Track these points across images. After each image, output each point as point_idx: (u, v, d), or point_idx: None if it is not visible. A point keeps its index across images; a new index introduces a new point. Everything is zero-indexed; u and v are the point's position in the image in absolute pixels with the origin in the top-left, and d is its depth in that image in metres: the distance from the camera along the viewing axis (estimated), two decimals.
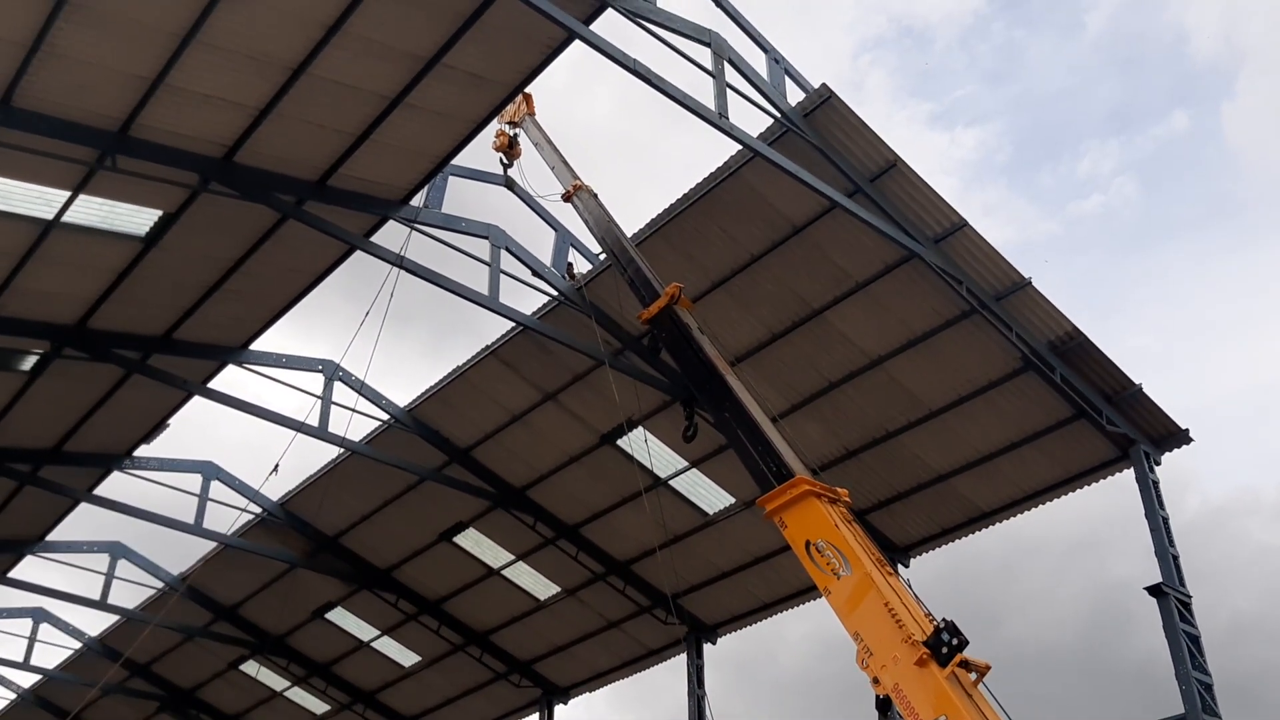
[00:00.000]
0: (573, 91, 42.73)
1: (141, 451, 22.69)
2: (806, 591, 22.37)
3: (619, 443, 21.25)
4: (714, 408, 13.72)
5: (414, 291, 17.99)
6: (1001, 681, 10.06)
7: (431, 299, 17.78)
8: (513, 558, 24.59)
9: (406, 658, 27.98)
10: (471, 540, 24.57)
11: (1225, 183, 53.09)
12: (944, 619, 9.97)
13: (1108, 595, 40.01)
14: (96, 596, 26.28)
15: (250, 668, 29.71)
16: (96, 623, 29.54)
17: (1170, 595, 16.30)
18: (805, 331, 18.84)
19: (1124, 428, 17.80)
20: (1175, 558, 16.89)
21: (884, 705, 10.29)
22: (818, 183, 16.20)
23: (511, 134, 19.19)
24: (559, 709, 27.06)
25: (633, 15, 14.25)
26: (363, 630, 27.66)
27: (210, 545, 25.35)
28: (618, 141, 44.73)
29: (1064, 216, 55.83)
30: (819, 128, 16.52)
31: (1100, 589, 40.19)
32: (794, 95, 16.49)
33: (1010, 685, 10.47)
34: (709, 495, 22.02)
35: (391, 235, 17.61)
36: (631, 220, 18.18)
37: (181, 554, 31.83)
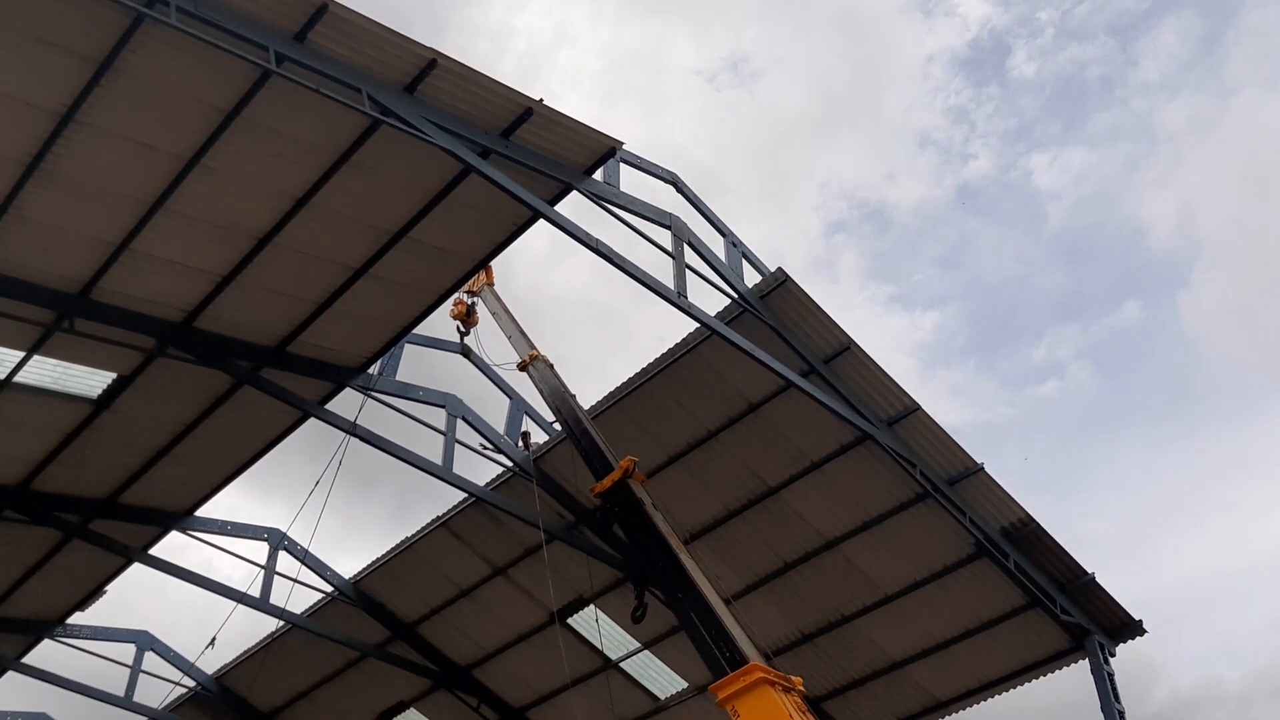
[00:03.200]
0: (551, 258, 43.53)
1: (75, 619, 21.90)
2: None
3: (569, 621, 20.80)
4: (666, 587, 13.50)
5: (376, 456, 17.87)
6: None
7: (395, 463, 17.66)
8: None
9: None
10: None
11: (1182, 371, 54.50)
12: None
13: None
14: None
15: None
16: None
17: None
18: (761, 510, 18.78)
19: (1078, 617, 17.69)
20: None
21: None
22: (773, 362, 16.42)
23: (470, 303, 19.43)
24: None
25: (596, 198, 14.65)
26: None
27: None
28: (591, 310, 45.41)
29: (1021, 401, 56.86)
30: (775, 309, 16.86)
31: None
32: (752, 277, 16.90)
33: None
34: (660, 679, 21.46)
35: (348, 400, 17.58)
36: (599, 389, 18.34)
37: None
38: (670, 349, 17.79)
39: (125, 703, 22.63)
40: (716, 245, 16.69)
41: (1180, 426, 53.75)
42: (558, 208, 14.43)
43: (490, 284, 19.68)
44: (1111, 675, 17.38)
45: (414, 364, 18.74)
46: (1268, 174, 47.85)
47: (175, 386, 16.87)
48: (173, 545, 22.42)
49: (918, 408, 17.17)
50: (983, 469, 17.25)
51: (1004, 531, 17.63)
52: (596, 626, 20.41)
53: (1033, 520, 17.39)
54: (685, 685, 21.20)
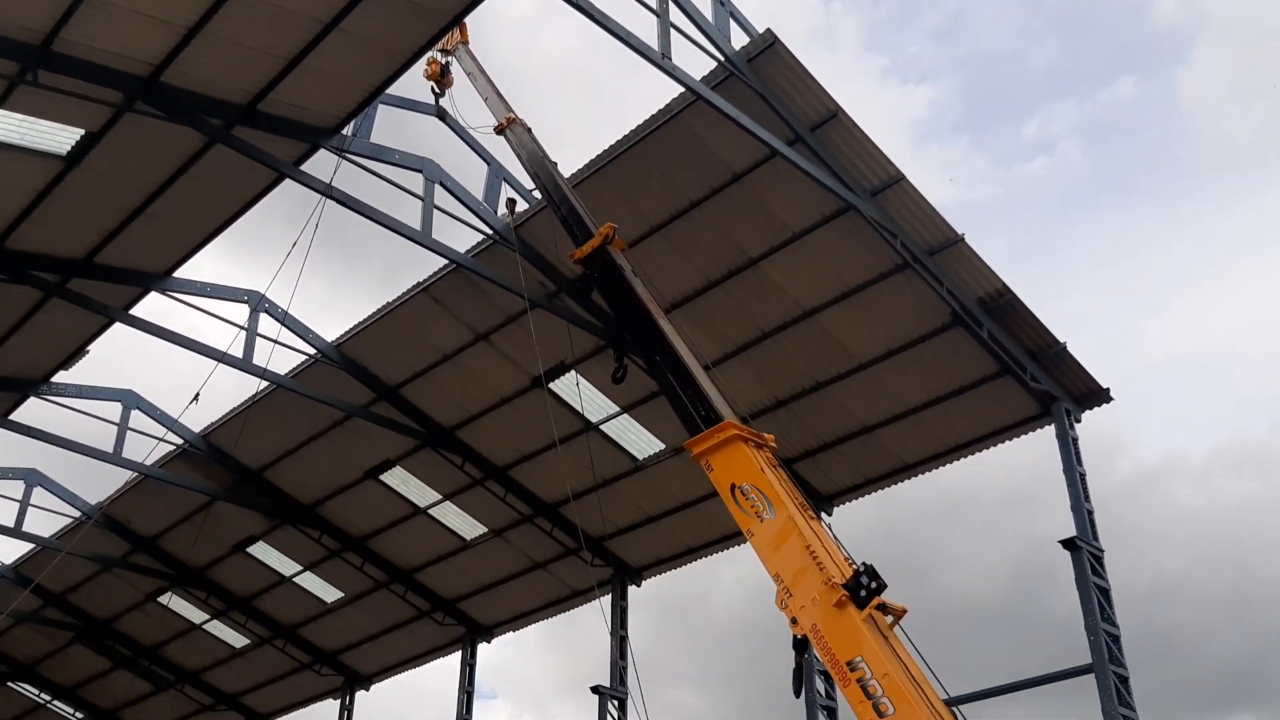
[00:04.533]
0: (535, 24, 41.95)
1: (60, 378, 22.16)
2: (731, 537, 22.63)
3: (550, 386, 21.19)
4: (645, 351, 13.68)
5: (361, 226, 17.68)
6: (927, 632, 10.25)
7: (383, 234, 17.47)
8: (440, 497, 24.52)
9: (329, 593, 27.86)
10: (398, 479, 24.43)
11: (1174, 150, 54.02)
12: (863, 563, 10.12)
13: (1034, 550, 40.99)
14: (10, 524, 25.78)
15: (168, 600, 29.38)
16: (10, 551, 29.04)
17: (1083, 549, 16.73)
18: (741, 280, 18.86)
19: (1047, 385, 18.13)
20: (1090, 513, 17.32)
21: (801, 645, 10.44)
22: (759, 129, 16.14)
23: (443, 62, 18.77)
24: (482, 646, 27.19)
25: None
26: (284, 565, 27.46)
27: (129, 475, 24.90)
28: (578, 79, 44.13)
29: (1009, 178, 56.52)
30: (762, 74, 16.43)
31: (1027, 544, 41.17)
32: (740, 40, 16.38)
33: (936, 636, 10.69)
34: (639, 441, 22.09)
35: (324, 163, 17.27)
36: (580, 160, 18.06)
37: (100, 484, 31.28)
38: (653, 115, 17.42)
39: (114, 459, 23.16)
40: (704, 4, 16.10)
41: (1165, 205, 53.82)
42: None
43: (465, 42, 18.98)
44: (1076, 440, 17.97)
45: (389, 129, 18.32)
46: None
47: (146, 144, 16.48)
48: (156, 310, 22.48)
49: (902, 178, 17.03)
50: (963, 240, 17.28)
51: (980, 302, 17.82)
52: (577, 391, 20.83)
53: (1009, 290, 17.56)
54: (663, 447, 21.85)
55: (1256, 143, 49.49)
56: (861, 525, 23.00)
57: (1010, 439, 19.31)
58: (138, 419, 23.46)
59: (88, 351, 21.30)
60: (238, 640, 30.18)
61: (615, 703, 22.64)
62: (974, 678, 17.63)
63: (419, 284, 20.47)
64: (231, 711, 32.48)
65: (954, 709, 9.93)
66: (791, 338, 19.36)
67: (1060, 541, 16.89)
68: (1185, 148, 53.67)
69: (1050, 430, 18.51)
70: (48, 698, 34.38)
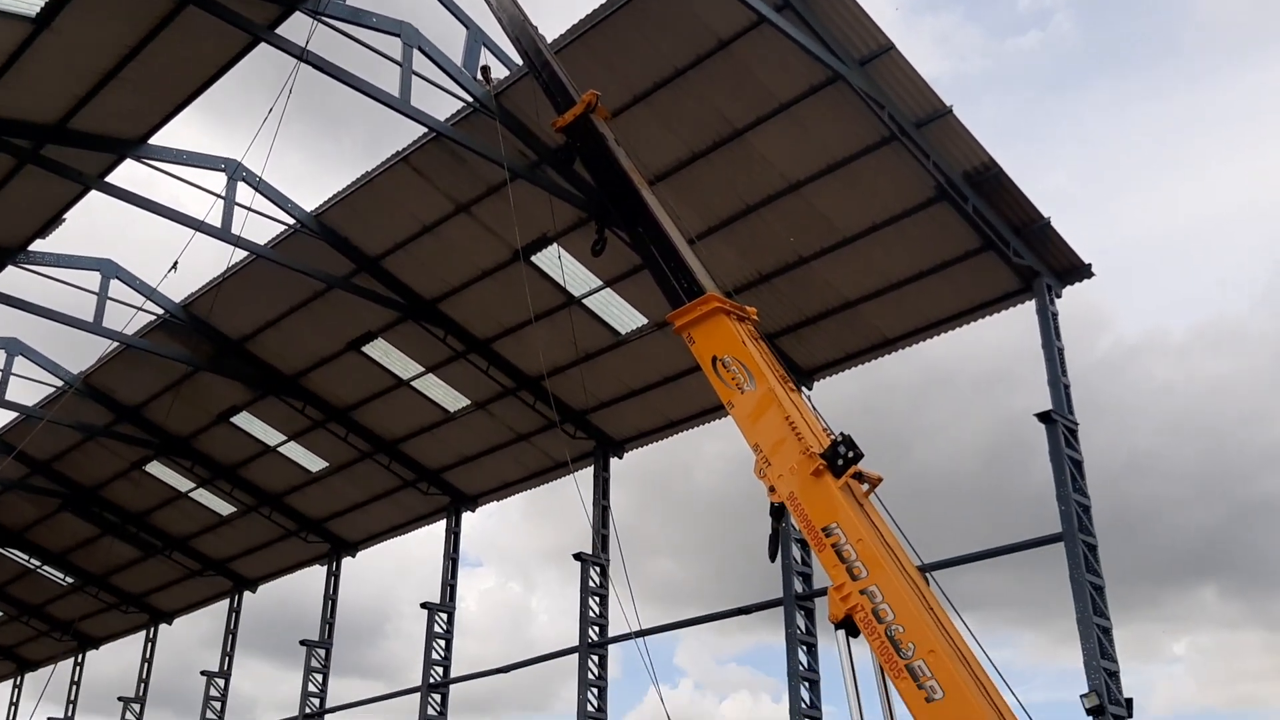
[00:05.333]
0: None
1: (38, 246, 21.90)
2: (712, 410, 22.83)
3: (533, 259, 21.07)
4: (627, 223, 13.54)
5: (343, 95, 17.25)
6: (905, 504, 10.42)
7: (363, 105, 17.04)
8: (422, 369, 24.60)
9: (314, 463, 28.15)
10: (380, 350, 24.46)
11: (1170, 24, 52.97)
12: (841, 433, 10.23)
13: (1012, 425, 41.53)
14: None
15: (154, 468, 29.66)
16: None
17: (1058, 422, 16.98)
18: (726, 152, 18.63)
19: (1029, 260, 18.13)
20: (1066, 387, 17.53)
21: (778, 512, 10.61)
22: None
23: None
24: (467, 516, 27.65)
25: None
26: (269, 435, 27.66)
27: (110, 345, 24.84)
28: None
29: (1002, 50, 55.51)
30: None
31: (1006, 419, 41.72)
32: None
33: (913, 508, 10.86)
34: (622, 315, 22.09)
35: (301, 28, 16.79)
36: (562, 25, 17.61)
37: (82, 354, 31.27)
38: None
39: (95, 328, 23.05)
40: None
41: (1156, 81, 53.13)
42: None
43: None
44: (1055, 315, 18.06)
45: None
46: None
47: (116, 5, 16.03)
48: (133, 179, 22.00)
49: (891, 46, 16.72)
50: (951, 111, 17.06)
51: (966, 175, 17.69)
52: (559, 264, 20.73)
53: (995, 164, 17.43)
54: (645, 321, 21.87)
55: (1254, 18, 48.64)
56: (842, 399, 23.23)
57: (991, 314, 19.40)
58: (117, 289, 23.27)
59: (64, 220, 21.05)
60: (224, 508, 30.59)
61: (597, 569, 23.18)
62: (949, 547, 18.04)
63: (398, 153, 20.15)
64: (220, 576, 33.15)
65: (926, 574, 10.17)
66: (776, 211, 19.22)
67: (1036, 415, 17.13)
68: (1182, 22, 52.72)
69: (1031, 306, 18.59)
70: (38, 563, 34.98)
